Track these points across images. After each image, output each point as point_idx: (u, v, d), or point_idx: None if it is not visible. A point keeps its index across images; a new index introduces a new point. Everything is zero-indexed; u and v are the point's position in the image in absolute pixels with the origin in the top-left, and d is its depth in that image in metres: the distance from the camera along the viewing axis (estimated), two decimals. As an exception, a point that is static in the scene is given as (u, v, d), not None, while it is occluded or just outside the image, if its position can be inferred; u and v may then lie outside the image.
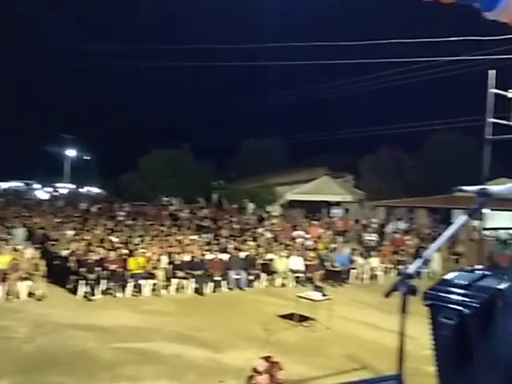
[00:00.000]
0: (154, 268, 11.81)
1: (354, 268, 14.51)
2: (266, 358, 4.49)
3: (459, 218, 1.67)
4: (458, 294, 1.53)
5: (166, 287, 11.80)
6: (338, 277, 13.86)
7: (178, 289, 11.85)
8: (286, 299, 10.94)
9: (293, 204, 28.49)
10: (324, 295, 9.51)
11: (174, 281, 11.82)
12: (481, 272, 1.60)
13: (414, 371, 2.97)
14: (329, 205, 27.76)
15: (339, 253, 14.77)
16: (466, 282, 1.55)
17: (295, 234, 18.46)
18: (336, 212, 27.12)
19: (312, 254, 14.43)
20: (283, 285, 13.18)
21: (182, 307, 10.51)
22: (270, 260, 13.63)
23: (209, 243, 14.78)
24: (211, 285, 12.10)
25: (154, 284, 11.58)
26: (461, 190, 1.74)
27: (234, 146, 42.94)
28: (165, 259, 12.36)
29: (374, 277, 14.65)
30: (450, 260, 16.78)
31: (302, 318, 9.26)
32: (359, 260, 14.84)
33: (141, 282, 11.40)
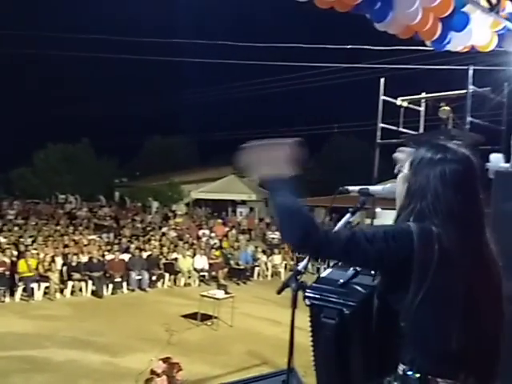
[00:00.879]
0: (48, 270, 11.05)
1: (257, 265, 14.80)
2: (165, 360, 4.39)
3: (345, 216, 1.75)
4: (336, 293, 1.59)
5: (61, 290, 11.12)
6: (241, 275, 14.04)
7: (74, 292, 11.20)
8: (189, 299, 10.83)
9: (199, 203, 28.35)
10: (227, 293, 9.56)
11: (70, 283, 11.16)
12: (352, 269, 1.68)
13: (309, 362, 3.07)
14: (235, 203, 28.05)
15: (243, 251, 14.96)
16: (342, 280, 1.62)
17: (200, 232, 18.39)
18: (241, 211, 27.49)
19: (217, 252, 14.47)
20: (187, 284, 13.04)
21: (78, 311, 9.95)
22: (175, 259, 13.42)
23: (109, 243, 14.18)
24: (111, 286, 11.62)
25: (47, 287, 10.83)
26: (346, 191, 1.82)
27: (139, 142, 41.68)
28: (59, 261, 11.62)
29: (276, 273, 15.05)
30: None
31: (205, 317, 9.23)
32: (263, 257, 15.16)
33: (32, 285, 10.61)
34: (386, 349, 1.48)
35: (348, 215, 1.77)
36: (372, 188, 1.77)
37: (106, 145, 34.37)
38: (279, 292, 1.77)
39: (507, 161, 5.23)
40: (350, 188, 1.81)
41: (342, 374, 1.59)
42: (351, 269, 1.69)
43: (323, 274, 1.77)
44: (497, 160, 5.10)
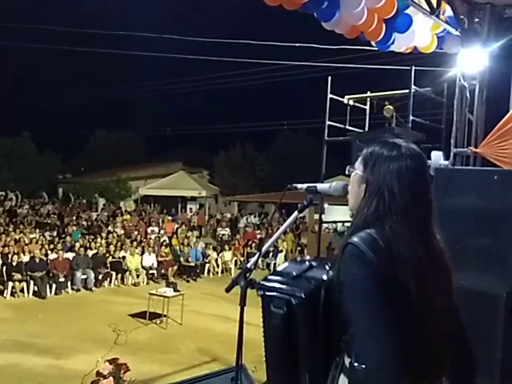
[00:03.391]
0: (-15, 271, 10.50)
1: (207, 262, 14.73)
2: (111, 361, 4.28)
3: (293, 214, 1.77)
4: (287, 284, 1.63)
5: (1, 292, 10.59)
6: (191, 272, 13.93)
7: (14, 293, 10.70)
8: (137, 297, 10.63)
9: (148, 199, 27.83)
10: (177, 291, 9.46)
11: (10, 284, 10.64)
12: (308, 263, 1.71)
13: (260, 357, 3.10)
14: (184, 200, 27.76)
15: (193, 248, 14.85)
16: (295, 273, 1.65)
17: (149, 230, 18.08)
18: (191, 207, 27.26)
19: (166, 249, 14.27)
20: (135, 283, 12.77)
21: (20, 313, 9.51)
22: (122, 258, 13.11)
23: (52, 242, 13.64)
24: (54, 287, 11.19)
25: (-15, 289, 10.30)
26: (295, 188, 1.84)
27: (85, 137, 40.27)
28: (-2, 261, 11.06)
29: (227, 270, 15.06)
30: (296, 251, 18.09)
31: (154, 316, 9.09)
32: (213, 254, 15.11)
33: (-32, 287, 10.04)
34: (332, 340, 1.51)
35: (295, 213, 1.78)
36: (319, 186, 1.80)
37: (49, 139, 33.01)
38: (228, 290, 1.76)
39: (447, 158, 5.48)
40: (299, 186, 1.83)
41: (288, 360, 1.62)
42: (306, 263, 1.72)
43: (279, 268, 1.80)
44: (437, 157, 5.33)
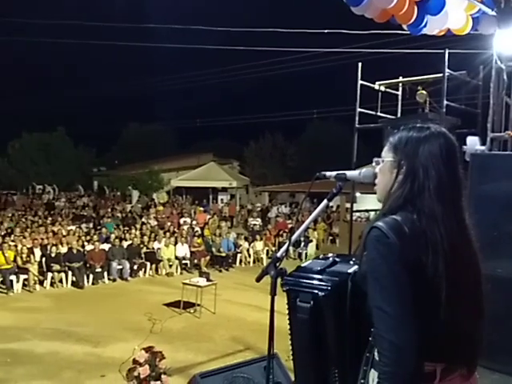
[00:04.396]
0: (26, 262, 10.88)
1: (239, 252, 14.83)
2: (147, 349, 4.38)
3: (322, 203, 1.75)
4: (313, 279, 1.62)
5: (41, 282, 10.97)
6: (223, 262, 14.05)
7: (54, 283, 11.06)
8: (171, 287, 10.81)
9: (179, 191, 28.20)
10: (209, 281, 9.57)
11: (49, 275, 11.02)
12: (332, 259, 1.70)
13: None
14: (216, 191, 27.97)
15: (225, 238, 14.96)
16: (319, 268, 1.64)
17: (182, 220, 18.33)
18: (222, 198, 27.46)
19: (198, 240, 14.44)
20: (169, 273, 12.99)
21: (59, 302, 9.84)
22: (156, 248, 13.35)
23: (88, 233, 14.01)
24: (91, 277, 11.51)
25: (26, 279, 10.68)
26: (324, 176, 1.82)
27: (117, 130, 41.05)
28: (38, 252, 11.44)
29: (258, 260, 15.12)
30: (327, 241, 17.98)
31: (188, 305, 9.23)
32: (244, 244, 15.20)
33: (10, 277, 10.43)
34: (362, 335, 1.49)
35: (325, 201, 1.76)
36: (349, 173, 1.77)
37: (83, 133, 33.85)
38: (258, 279, 1.76)
39: (483, 143, 5.31)
40: (327, 174, 1.81)
41: (317, 356, 1.61)
42: (330, 259, 1.70)
43: (303, 264, 1.79)
44: (473, 143, 5.18)
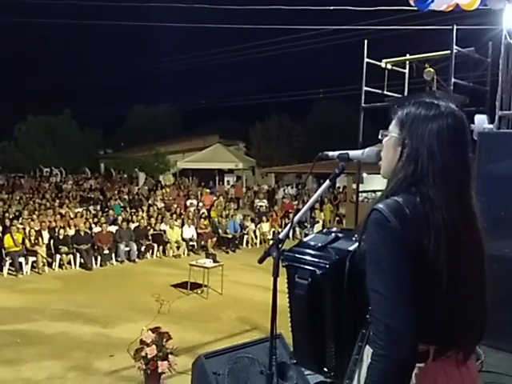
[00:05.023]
0: (35, 244, 10.99)
1: (245, 234, 14.88)
2: (154, 330, 4.43)
3: (324, 184, 1.72)
4: (312, 256, 1.60)
5: (49, 264, 11.10)
6: (230, 243, 14.12)
7: (62, 265, 11.19)
8: (178, 268, 10.89)
9: (186, 172, 28.23)
10: (216, 262, 9.63)
11: (58, 257, 11.13)
12: (334, 235, 1.67)
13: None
14: (222, 172, 27.97)
15: (232, 220, 15.01)
16: (320, 244, 1.62)
17: (188, 202, 18.38)
18: (229, 179, 27.47)
19: (205, 222, 14.49)
20: (176, 255, 13.09)
21: (68, 284, 9.96)
22: (163, 230, 13.43)
23: (96, 215, 14.10)
24: (99, 259, 11.62)
25: (35, 261, 10.80)
26: (326, 156, 1.78)
27: (123, 112, 40.99)
28: (46, 234, 11.55)
29: (265, 241, 15.17)
30: (334, 221, 17.98)
31: (195, 286, 9.31)
32: (251, 226, 15.24)
33: (19, 260, 10.56)
34: (359, 312, 1.48)
35: (327, 182, 1.73)
36: (352, 153, 1.73)
37: (89, 116, 33.86)
38: (261, 261, 1.75)
39: (491, 121, 5.23)
40: (330, 153, 1.77)
41: (314, 331, 1.61)
42: (333, 234, 1.68)
43: (305, 239, 1.77)
44: (481, 121, 5.09)
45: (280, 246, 1.69)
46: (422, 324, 1.31)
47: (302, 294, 1.54)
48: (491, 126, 5.16)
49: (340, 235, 1.65)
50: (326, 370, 1.64)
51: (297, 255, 1.62)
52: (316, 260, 1.56)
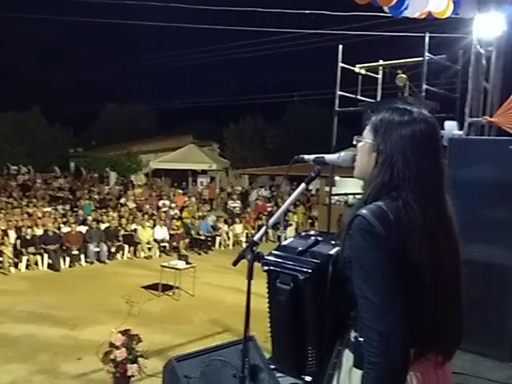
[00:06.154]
0: (1, 244, 10.66)
1: (218, 235, 14.82)
2: (124, 332, 4.35)
3: (300, 186, 1.72)
4: (293, 260, 1.59)
5: (16, 264, 10.78)
6: (203, 244, 14.03)
7: (29, 265, 10.89)
8: (150, 270, 10.76)
9: (158, 173, 27.92)
10: (188, 263, 9.55)
11: (25, 257, 10.83)
12: (313, 238, 1.67)
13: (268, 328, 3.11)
14: (195, 173, 27.79)
15: (204, 221, 14.92)
16: (301, 248, 1.61)
17: (160, 203, 18.17)
18: (202, 180, 27.30)
19: (177, 223, 14.36)
20: (147, 256, 12.92)
21: (35, 285, 9.70)
22: (134, 231, 13.23)
23: (65, 215, 13.79)
24: (68, 259, 11.36)
25: (1, 261, 10.47)
26: (302, 159, 1.78)
27: (95, 110, 40.24)
28: (13, 234, 11.22)
29: (238, 243, 15.14)
30: (306, 224, 18.10)
31: (167, 288, 9.21)
32: (224, 227, 15.19)
33: (-16, 260, 10.24)
34: (338, 316, 1.48)
35: (303, 185, 1.73)
36: (327, 157, 1.74)
37: (59, 113, 33.10)
38: (235, 263, 1.74)
39: (461, 128, 5.35)
40: (306, 157, 1.77)
41: (294, 336, 1.60)
42: (312, 237, 1.68)
43: (284, 243, 1.76)
44: (451, 127, 5.21)
45: (254, 248, 1.68)
46: (413, 326, 1.32)
47: (284, 300, 1.53)
48: (461, 132, 5.29)
49: (319, 239, 1.65)
50: (305, 377, 1.63)
51: (278, 260, 1.60)
52: (297, 265, 1.55)
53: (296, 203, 18.38)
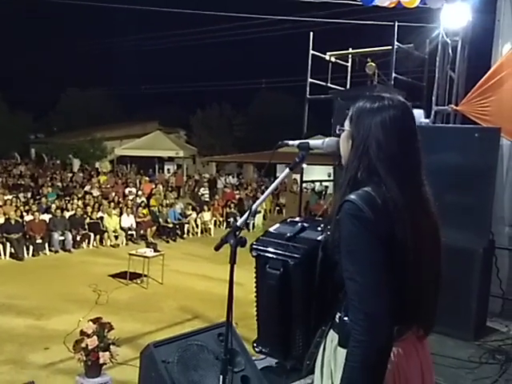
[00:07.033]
0: (-41, 233, 10.28)
1: (187, 223, 14.73)
2: (95, 320, 4.29)
3: (283, 172, 1.73)
4: (282, 246, 1.61)
5: (-24, 254, 10.43)
6: (171, 232, 13.93)
7: (-10, 255, 10.55)
8: (117, 258, 10.61)
9: (124, 160, 27.40)
10: (156, 251, 9.47)
11: (-14, 246, 10.48)
12: (300, 224, 1.69)
13: (242, 315, 3.14)
14: (162, 160, 27.42)
15: (172, 208, 14.79)
16: (289, 234, 1.63)
17: (127, 191, 17.88)
18: (169, 168, 26.98)
19: (144, 210, 14.18)
20: (114, 245, 12.71)
21: (-3, 275, 9.42)
22: (100, 219, 12.98)
23: (27, 203, 13.37)
24: (31, 248, 11.06)
25: (-40, 252, 10.11)
26: (286, 145, 1.79)
27: (56, 95, 38.91)
28: (-28, 223, 10.82)
29: (206, 230, 15.11)
30: (274, 211, 18.23)
31: (135, 276, 9.12)
32: (192, 215, 15.10)
33: None
34: (327, 300, 1.51)
35: (287, 170, 1.74)
36: (312, 142, 1.76)
37: (19, 98, 31.87)
38: (217, 248, 1.74)
39: (428, 116, 5.48)
40: (290, 142, 1.79)
41: (282, 319, 1.62)
42: (299, 224, 1.69)
43: (271, 229, 1.77)
44: (418, 115, 5.32)
45: (237, 233, 1.68)
46: (398, 306, 1.37)
47: (273, 284, 1.55)
48: (427, 120, 5.41)
49: (305, 225, 1.67)
50: (290, 359, 1.65)
51: (266, 246, 1.61)
52: (287, 250, 1.56)
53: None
